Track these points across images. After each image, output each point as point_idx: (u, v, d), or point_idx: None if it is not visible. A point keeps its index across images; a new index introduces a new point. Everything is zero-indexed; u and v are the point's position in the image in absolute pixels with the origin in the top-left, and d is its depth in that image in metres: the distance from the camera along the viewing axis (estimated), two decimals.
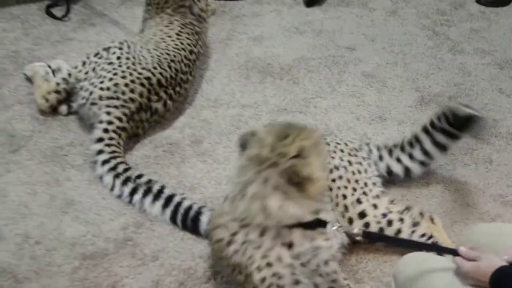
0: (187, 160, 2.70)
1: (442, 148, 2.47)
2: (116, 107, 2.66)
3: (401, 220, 2.27)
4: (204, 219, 2.35)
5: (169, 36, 2.95)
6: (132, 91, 2.69)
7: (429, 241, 2.25)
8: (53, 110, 2.82)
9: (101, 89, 2.68)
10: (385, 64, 3.31)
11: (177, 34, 2.95)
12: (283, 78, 3.15)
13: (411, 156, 2.52)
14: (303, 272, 1.93)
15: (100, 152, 2.54)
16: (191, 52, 2.95)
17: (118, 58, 2.76)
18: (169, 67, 2.82)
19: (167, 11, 3.05)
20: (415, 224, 2.27)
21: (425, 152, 2.49)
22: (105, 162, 2.52)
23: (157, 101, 2.78)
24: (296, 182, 1.84)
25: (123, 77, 2.70)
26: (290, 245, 1.91)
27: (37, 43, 3.23)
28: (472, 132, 2.42)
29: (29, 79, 2.93)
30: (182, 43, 2.93)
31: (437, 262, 1.97)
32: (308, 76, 3.18)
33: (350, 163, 2.38)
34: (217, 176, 2.64)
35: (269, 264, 1.89)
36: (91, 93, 2.69)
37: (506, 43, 3.55)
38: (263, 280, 1.88)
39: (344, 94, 3.10)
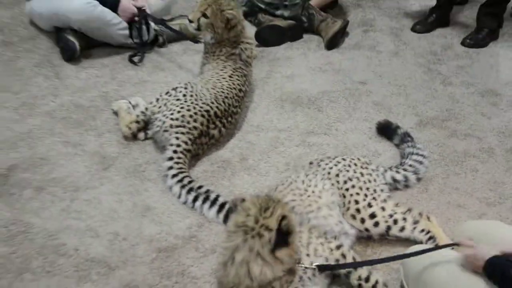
0: (236, 174, 2.69)
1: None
2: (183, 133, 2.66)
3: (404, 219, 2.26)
4: None
5: (224, 78, 2.93)
6: (195, 121, 2.69)
7: (427, 236, 2.21)
8: (134, 136, 2.83)
9: (171, 119, 2.68)
10: (391, 95, 3.28)
11: (230, 76, 2.94)
12: (310, 107, 3.14)
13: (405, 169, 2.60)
14: None
15: (170, 168, 2.55)
16: (240, 90, 2.94)
17: (184, 95, 2.76)
18: (223, 102, 2.81)
19: (222, 58, 3.04)
20: (416, 222, 2.26)
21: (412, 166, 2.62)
22: (174, 176, 2.52)
23: (214, 129, 2.77)
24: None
25: (188, 110, 2.70)
26: None
27: (121, 85, 3.26)
28: None
29: (115, 113, 2.95)
30: (233, 84, 2.92)
31: (439, 253, 1.93)
32: (330, 105, 3.16)
33: (362, 174, 2.37)
34: (259, 186, 2.63)
35: None
36: (163, 122, 2.70)
37: (486, 76, 3.51)
38: None
39: (359, 119, 3.07)
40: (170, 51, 3.57)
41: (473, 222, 2.24)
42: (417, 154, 2.73)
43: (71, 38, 3.32)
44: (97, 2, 3.30)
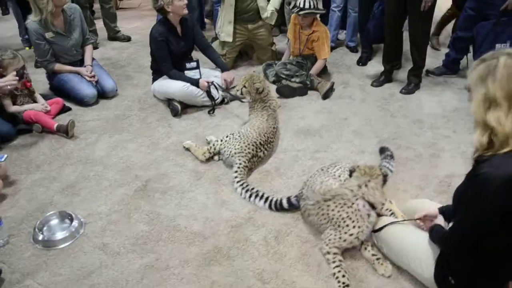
0: (274, 179, 2.71)
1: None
2: (242, 156, 2.68)
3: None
4: (284, 202, 2.38)
5: (262, 121, 2.94)
6: (249, 148, 2.72)
7: (390, 212, 2.16)
8: (207, 161, 2.83)
9: (235, 149, 2.72)
10: (362, 125, 3.26)
11: (266, 120, 2.95)
12: (315, 135, 3.14)
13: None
14: None
15: (236, 177, 2.59)
16: (273, 127, 2.95)
17: (239, 136, 2.80)
18: (264, 135, 2.83)
19: (258, 110, 3.03)
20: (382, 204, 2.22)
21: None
22: (238, 182, 2.56)
23: (260, 151, 2.79)
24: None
25: (244, 143, 2.73)
26: None
27: (204, 129, 3.26)
28: None
29: (187, 149, 2.94)
30: (269, 124, 2.93)
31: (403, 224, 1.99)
32: (327, 134, 3.16)
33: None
34: (288, 185, 2.63)
35: None
36: (230, 151, 2.73)
37: (415, 111, 3.46)
38: None
39: (344, 141, 3.07)
40: (231, 106, 3.58)
41: (412, 201, 2.26)
42: (385, 166, 2.62)
43: (176, 103, 3.41)
44: (189, 84, 3.38)
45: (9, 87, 2.89)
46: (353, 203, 1.99)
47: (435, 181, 2.62)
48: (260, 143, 2.78)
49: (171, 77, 3.43)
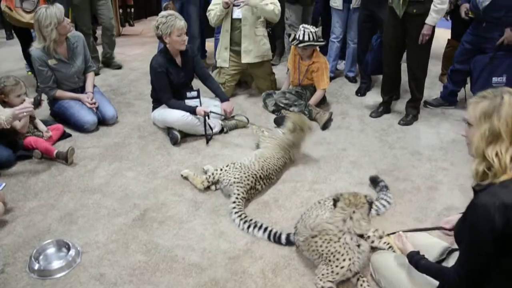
0: (272, 210, 2.71)
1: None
2: (240, 187, 2.69)
3: (374, 235, 2.27)
4: (282, 237, 2.38)
5: (273, 158, 2.96)
6: (248, 180, 2.73)
7: (387, 246, 2.22)
8: (207, 188, 2.85)
9: (234, 178, 2.73)
10: (360, 157, 3.29)
11: (277, 159, 2.98)
12: (314, 166, 3.16)
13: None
14: None
15: (233, 208, 2.59)
16: (279, 168, 2.96)
17: (240, 166, 2.82)
18: (267, 171, 2.85)
19: (279, 145, 3.06)
20: (380, 237, 2.26)
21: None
22: (236, 213, 2.56)
23: (258, 185, 2.80)
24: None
25: (244, 173, 2.74)
26: None
27: (203, 158, 3.27)
28: None
29: (185, 178, 2.95)
30: (277, 163, 2.96)
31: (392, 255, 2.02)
32: (325, 164, 3.19)
33: None
34: (286, 217, 2.64)
35: None
36: (229, 180, 2.73)
37: (413, 142, 3.49)
38: None
39: (343, 173, 3.09)
40: (231, 135, 3.60)
41: (408, 233, 2.23)
42: (383, 199, 2.65)
43: (175, 132, 3.44)
44: (188, 113, 3.40)
45: (25, 113, 2.91)
46: (339, 238, 2.02)
47: (433, 214, 2.63)
48: (260, 176, 2.79)
49: (170, 106, 3.47)
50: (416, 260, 1.78)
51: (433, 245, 2.00)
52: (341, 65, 4.97)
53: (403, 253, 1.88)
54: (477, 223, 1.48)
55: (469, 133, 1.61)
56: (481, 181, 1.54)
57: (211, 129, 3.48)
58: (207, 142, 3.45)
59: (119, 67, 5.18)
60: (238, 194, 2.65)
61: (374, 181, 2.87)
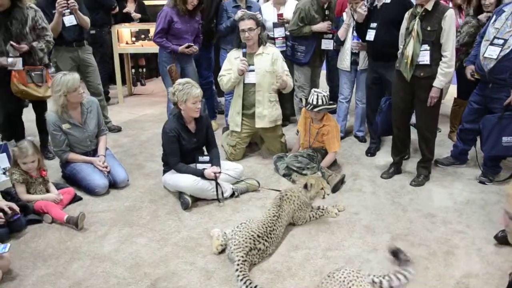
0: (285, 279, 2.65)
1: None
2: (239, 252, 2.67)
3: None
4: None
5: (268, 212, 2.99)
6: (247, 242, 2.71)
7: None
8: (222, 251, 2.85)
9: (234, 244, 2.73)
10: (373, 220, 3.28)
11: (268, 210, 3.01)
12: (326, 232, 3.12)
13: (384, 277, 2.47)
14: None
15: (237, 276, 2.55)
16: (274, 216, 2.97)
17: (243, 227, 2.84)
18: (263, 226, 2.84)
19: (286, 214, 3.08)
20: None
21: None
22: (241, 280, 2.51)
23: (259, 244, 2.77)
24: None
25: (243, 237, 2.74)
26: None
27: (214, 223, 3.28)
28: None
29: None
30: (270, 213, 2.98)
31: None
32: (338, 230, 3.17)
33: (357, 277, 2.34)
34: (301, 287, 2.58)
35: None
36: (230, 247, 2.74)
37: (426, 204, 3.49)
38: None
39: (356, 238, 3.06)
40: (242, 200, 3.62)
41: None
42: (399, 272, 2.50)
43: (186, 196, 3.47)
44: (199, 178, 3.46)
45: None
46: None
47: (452, 282, 2.57)
48: (258, 235, 2.78)
49: (177, 170, 3.53)
50: None
51: None
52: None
53: None
54: None
55: (510, 224, 1.64)
56: None
57: (223, 193, 3.51)
58: (219, 201, 3.48)
59: (118, 129, 5.23)
60: (239, 260, 2.63)
61: (396, 255, 2.74)
